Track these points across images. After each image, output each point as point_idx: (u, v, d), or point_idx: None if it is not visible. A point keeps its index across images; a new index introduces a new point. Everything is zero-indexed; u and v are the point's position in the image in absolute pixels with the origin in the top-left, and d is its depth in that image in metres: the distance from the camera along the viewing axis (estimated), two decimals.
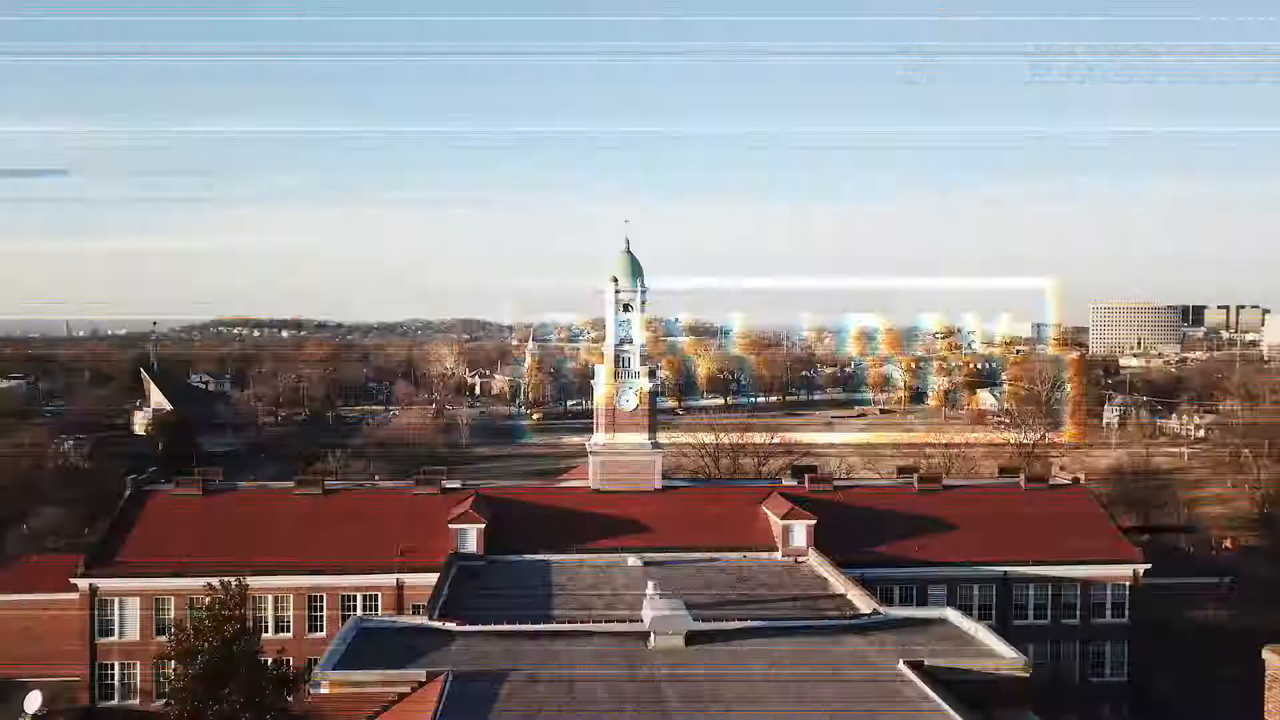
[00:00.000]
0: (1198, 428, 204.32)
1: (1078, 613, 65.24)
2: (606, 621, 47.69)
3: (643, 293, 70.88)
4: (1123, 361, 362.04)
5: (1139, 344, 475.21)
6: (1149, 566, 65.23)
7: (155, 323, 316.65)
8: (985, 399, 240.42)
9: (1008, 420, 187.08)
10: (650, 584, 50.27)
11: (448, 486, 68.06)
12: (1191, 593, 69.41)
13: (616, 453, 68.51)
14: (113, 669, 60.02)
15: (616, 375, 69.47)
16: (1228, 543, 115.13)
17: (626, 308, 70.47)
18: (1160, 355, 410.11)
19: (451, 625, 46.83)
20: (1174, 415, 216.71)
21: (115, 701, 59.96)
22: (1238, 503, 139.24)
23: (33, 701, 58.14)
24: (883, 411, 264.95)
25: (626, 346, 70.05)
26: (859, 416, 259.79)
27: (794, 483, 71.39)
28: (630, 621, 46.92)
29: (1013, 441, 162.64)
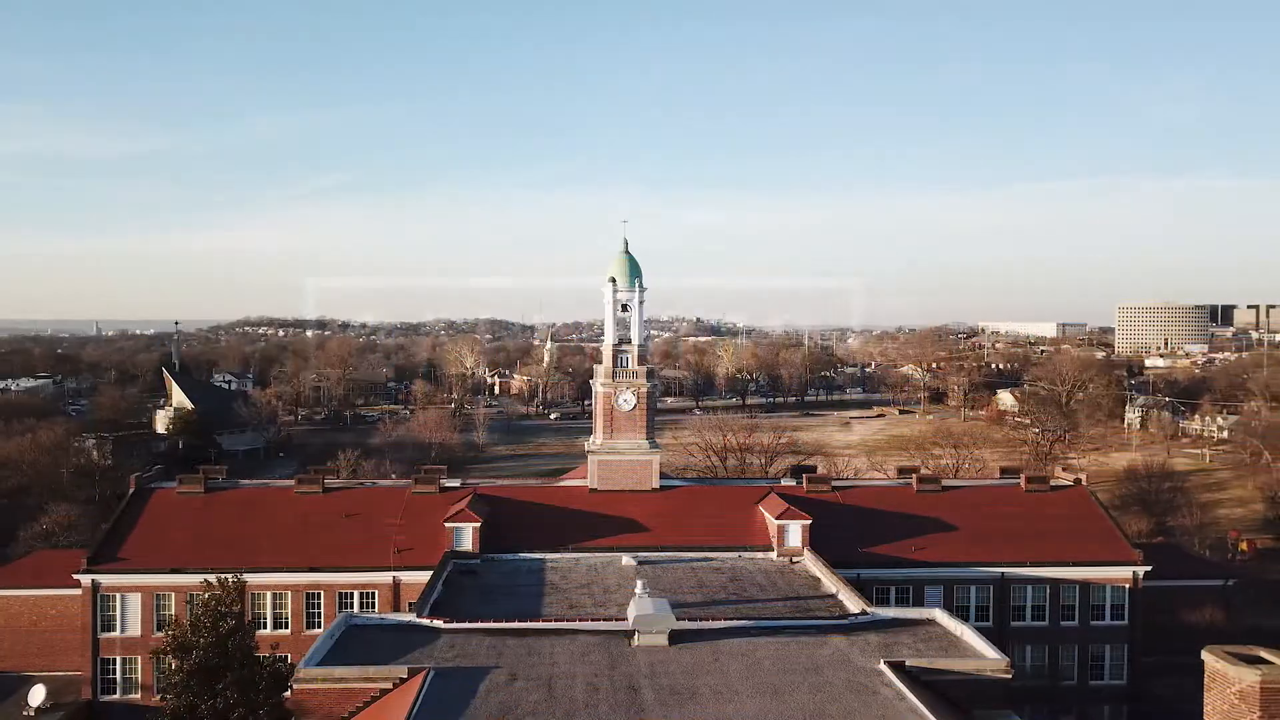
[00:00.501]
0: (1220, 429, 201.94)
1: (1076, 615, 64.76)
2: (593, 620, 47.93)
3: (641, 293, 71.11)
4: (1148, 362, 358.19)
5: (1166, 344, 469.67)
6: (1149, 569, 64.70)
7: (177, 322, 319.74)
8: (1005, 399, 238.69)
9: (1028, 420, 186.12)
10: (639, 583, 50.47)
11: (446, 485, 68.60)
12: (1193, 595, 68.71)
13: (614, 453, 68.73)
14: (114, 664, 60.96)
15: (614, 375, 69.74)
16: (1243, 545, 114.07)
17: (625, 308, 70.72)
18: (1187, 355, 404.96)
19: (439, 623, 47.25)
20: (1196, 416, 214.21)
21: (117, 696, 60.91)
22: (1256, 505, 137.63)
23: (36, 695, 59.57)
24: (902, 412, 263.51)
25: (625, 346, 70.29)
26: (878, 417, 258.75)
27: (792, 483, 71.36)
28: (616, 620, 47.13)
29: (1028, 441, 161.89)
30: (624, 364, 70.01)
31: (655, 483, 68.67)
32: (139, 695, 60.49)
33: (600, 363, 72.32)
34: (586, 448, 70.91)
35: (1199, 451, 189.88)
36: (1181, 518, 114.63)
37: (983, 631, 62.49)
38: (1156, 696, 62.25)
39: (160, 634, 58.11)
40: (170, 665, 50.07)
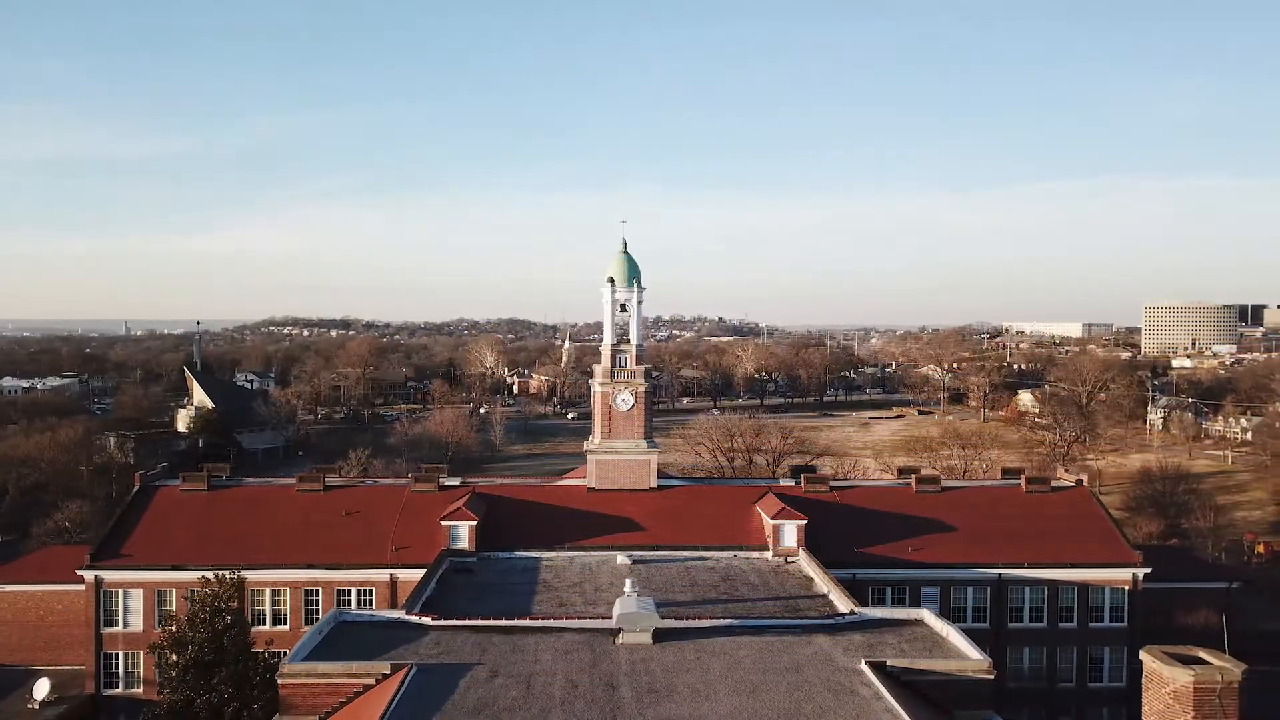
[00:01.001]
0: (1244, 430, 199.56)
1: (1075, 616, 64.38)
2: (580, 618, 48.24)
3: (639, 293, 71.35)
4: (1175, 362, 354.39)
5: (1194, 344, 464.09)
6: (1148, 570, 64.21)
7: (199, 322, 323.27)
8: (1026, 399, 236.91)
9: (1050, 421, 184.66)
10: (628, 581, 50.75)
11: (446, 484, 69.13)
12: (1196, 597, 68.08)
13: (612, 452, 69.02)
14: (117, 658, 61.94)
15: (612, 375, 70.03)
16: (1260, 548, 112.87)
17: (623, 308, 71.00)
18: (1215, 356, 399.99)
19: (427, 620, 47.70)
20: (1219, 417, 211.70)
21: (120, 690, 61.87)
22: (1275, 507, 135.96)
23: (41, 688, 60.72)
24: (921, 413, 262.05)
25: (623, 346, 70.57)
26: (897, 417, 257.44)
27: (791, 483, 71.38)
28: (603, 619, 47.41)
29: (1045, 442, 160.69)
30: (622, 364, 70.29)
31: (653, 482, 68.88)
32: (141, 689, 61.34)
33: (599, 363, 72.64)
34: (585, 447, 71.24)
35: (1221, 453, 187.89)
36: (1196, 520, 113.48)
37: (979, 633, 62.68)
38: None
39: (161, 629, 59.19)
40: (170, 660, 51.13)
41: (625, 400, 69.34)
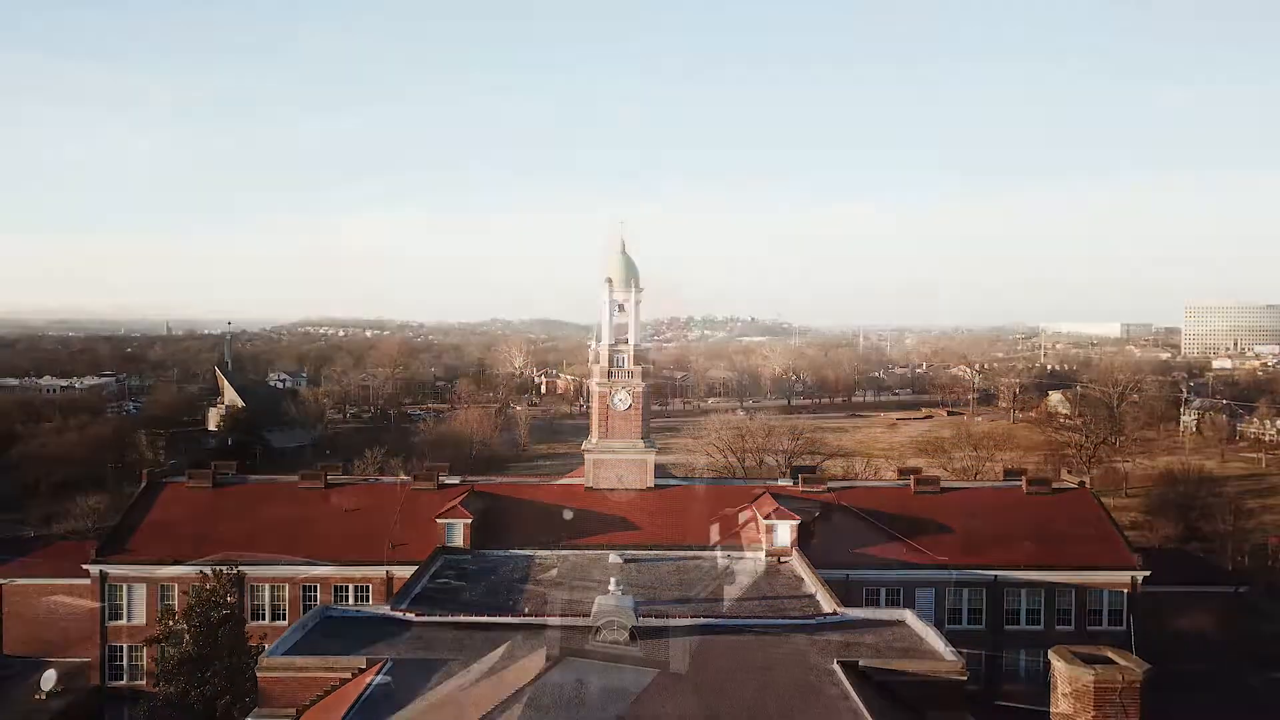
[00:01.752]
0: (1279, 432, 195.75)
1: (1073, 619, 63.82)
2: (561, 615, 48.66)
3: (637, 293, 71.70)
4: (1215, 363, 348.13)
5: (1235, 345, 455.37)
6: (1148, 573, 63.46)
7: (230, 322, 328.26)
8: (1056, 400, 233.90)
9: (1078, 422, 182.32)
10: (612, 580, 51.08)
11: (445, 482, 69.96)
12: (1200, 601, 67.11)
13: (610, 452, 69.45)
14: (121, 651, 63.39)
15: (610, 375, 70.44)
16: None
17: (621, 308, 71.39)
18: (1256, 356, 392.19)
19: (410, 615, 48.38)
20: (1255, 419, 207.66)
21: (124, 682, 63.33)
22: None
23: (48, 680, 62.24)
24: (950, 414, 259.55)
25: (621, 346, 70.96)
26: (926, 418, 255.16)
27: (789, 483, 71.37)
28: (582, 616, 47.79)
29: (1071, 444, 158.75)
30: (620, 364, 70.69)
31: (650, 482, 69.19)
32: (144, 682, 62.66)
33: (599, 362, 73.08)
34: (583, 447, 71.78)
35: (1256, 456, 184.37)
36: (1218, 523, 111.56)
37: (975, 635, 62.45)
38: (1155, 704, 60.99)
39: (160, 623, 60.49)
40: (166, 653, 52.37)
41: (623, 400, 69.73)
